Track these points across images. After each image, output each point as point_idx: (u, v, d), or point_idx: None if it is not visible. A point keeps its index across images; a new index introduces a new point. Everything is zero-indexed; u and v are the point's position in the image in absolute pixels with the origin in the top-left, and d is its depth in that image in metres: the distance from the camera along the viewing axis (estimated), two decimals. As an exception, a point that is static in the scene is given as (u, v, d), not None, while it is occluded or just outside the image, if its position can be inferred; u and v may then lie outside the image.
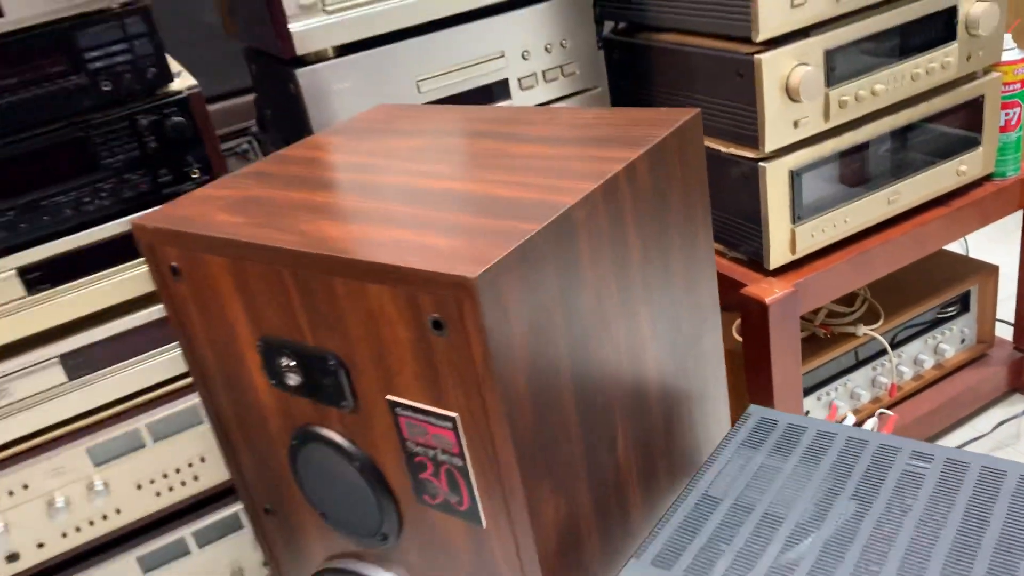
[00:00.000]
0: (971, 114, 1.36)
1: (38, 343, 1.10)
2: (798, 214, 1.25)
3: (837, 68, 1.19)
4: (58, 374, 1.11)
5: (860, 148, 1.27)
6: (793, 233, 1.25)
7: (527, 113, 0.93)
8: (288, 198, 0.81)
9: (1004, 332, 1.67)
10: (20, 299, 1.06)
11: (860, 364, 1.50)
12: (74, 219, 1.06)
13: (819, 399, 1.46)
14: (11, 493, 1.12)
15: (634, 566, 0.75)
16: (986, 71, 1.37)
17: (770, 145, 1.19)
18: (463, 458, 0.70)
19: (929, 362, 1.55)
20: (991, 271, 1.58)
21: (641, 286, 0.78)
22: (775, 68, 1.15)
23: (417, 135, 0.93)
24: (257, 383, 0.83)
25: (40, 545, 1.16)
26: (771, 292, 1.23)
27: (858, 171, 1.29)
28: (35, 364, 1.09)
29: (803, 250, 1.27)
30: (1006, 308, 1.68)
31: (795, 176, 1.22)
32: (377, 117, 1.02)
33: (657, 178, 0.78)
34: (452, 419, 0.69)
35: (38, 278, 1.06)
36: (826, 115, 1.21)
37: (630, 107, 0.89)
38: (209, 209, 0.82)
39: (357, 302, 0.69)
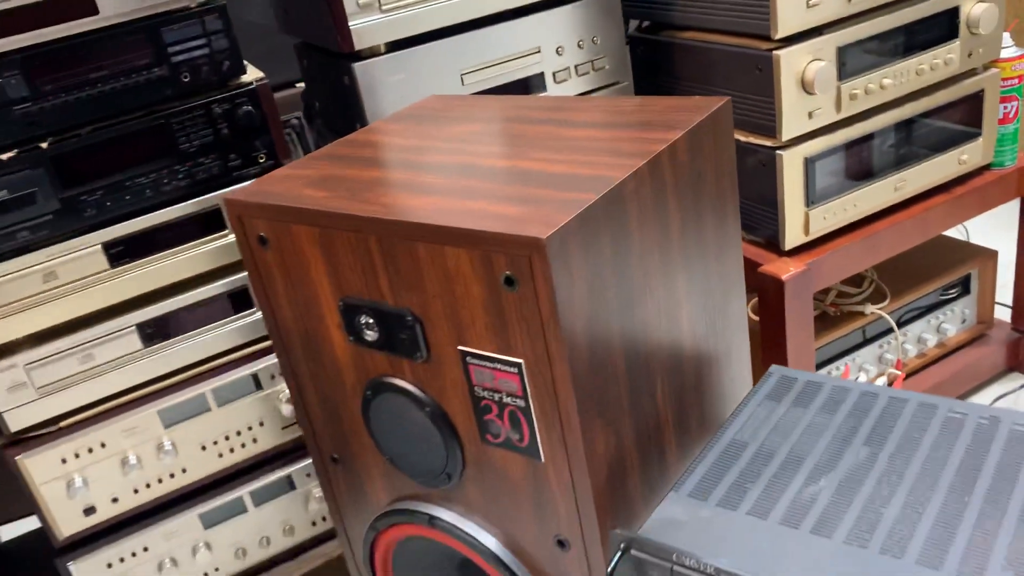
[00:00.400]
0: (972, 107, 1.47)
1: (118, 312, 1.20)
2: (811, 199, 1.35)
3: (848, 63, 1.29)
4: (135, 341, 1.21)
5: (868, 138, 1.37)
6: (807, 216, 1.36)
7: (570, 102, 1.04)
8: (365, 176, 0.92)
9: (1003, 314, 1.77)
10: (104, 271, 1.17)
11: (867, 342, 1.60)
12: (153, 199, 1.16)
13: (829, 374, 1.57)
14: (90, 450, 1.22)
15: (673, 498, 0.85)
16: (985, 67, 1.47)
17: (787, 134, 1.29)
18: (526, 399, 0.80)
19: (932, 341, 1.66)
20: (990, 256, 1.68)
21: (679, 254, 0.89)
22: (791, 63, 1.25)
23: (472, 121, 1.03)
24: (335, 340, 0.94)
25: (114, 500, 1.26)
26: (787, 270, 1.33)
27: (867, 160, 1.39)
28: (115, 332, 1.20)
29: (816, 232, 1.38)
30: (1005, 291, 1.78)
31: (809, 163, 1.32)
32: (431, 106, 1.13)
33: (694, 157, 0.88)
34: (518, 365, 0.79)
35: (120, 252, 1.16)
36: (838, 107, 1.31)
37: (664, 96, 1.00)
38: (294, 186, 0.93)
39: (436, 263, 0.79)
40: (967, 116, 1.47)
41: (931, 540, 0.75)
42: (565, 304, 0.73)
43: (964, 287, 1.69)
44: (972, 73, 1.45)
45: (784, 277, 1.32)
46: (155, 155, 1.15)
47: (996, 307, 1.74)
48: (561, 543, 0.87)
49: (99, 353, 1.19)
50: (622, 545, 0.81)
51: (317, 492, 1.40)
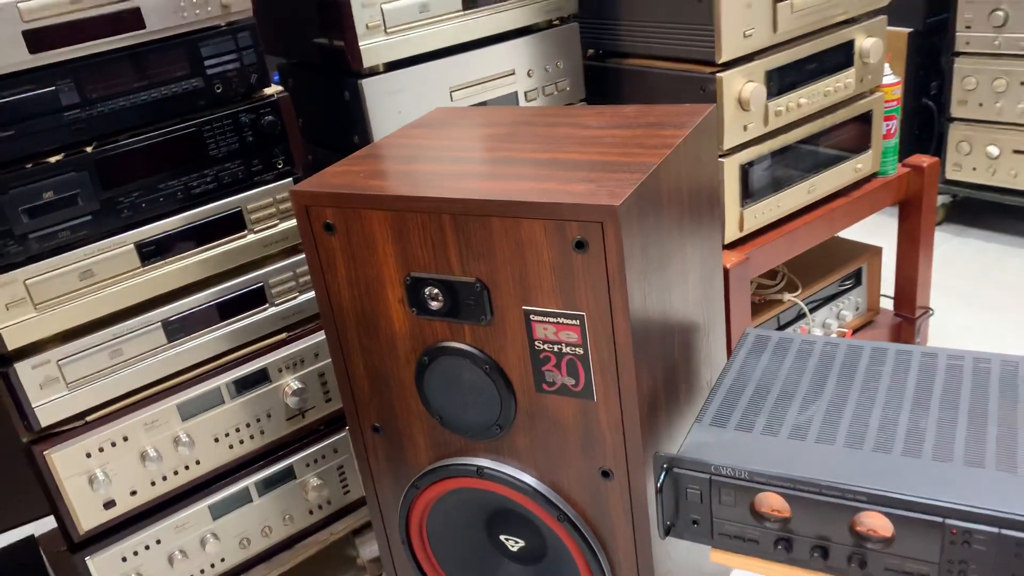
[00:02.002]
0: (863, 124, 1.75)
1: (145, 309, 1.27)
2: (746, 199, 1.58)
3: (774, 85, 1.54)
4: (159, 337, 1.29)
5: (788, 148, 1.63)
6: (742, 215, 1.59)
7: (575, 110, 1.22)
8: (422, 169, 1.06)
9: (886, 304, 2.07)
10: (135, 269, 1.24)
11: (782, 328, 1.85)
12: (183, 201, 1.25)
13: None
14: (113, 444, 1.28)
15: (698, 427, 1.03)
16: (872, 91, 1.76)
17: (727, 144, 1.52)
18: (585, 347, 0.96)
19: (835, 325, 1.93)
20: (876, 252, 1.98)
21: (688, 227, 1.08)
22: (731, 84, 1.48)
23: (494, 126, 1.19)
24: (393, 314, 1.07)
25: (133, 493, 1.32)
26: (730, 260, 1.55)
27: (787, 167, 1.64)
28: (142, 328, 1.27)
29: (749, 228, 1.61)
30: (887, 283, 2.08)
31: (744, 169, 1.56)
32: (442, 117, 1.28)
33: (698, 149, 1.08)
34: (580, 317, 0.95)
35: (151, 251, 1.24)
36: (765, 121, 1.56)
37: (655, 104, 1.19)
38: (356, 179, 1.06)
39: (509, 235, 0.94)
40: (860, 132, 1.75)
41: (909, 438, 0.96)
42: (626, 263, 0.90)
43: (856, 279, 1.97)
44: (862, 96, 1.74)
45: (728, 266, 1.54)
46: (187, 160, 1.24)
47: (881, 298, 2.03)
48: (605, 473, 1.03)
49: (127, 348, 1.26)
50: (664, 466, 0.98)
51: (315, 481, 1.49)
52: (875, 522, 0.90)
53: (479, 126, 1.20)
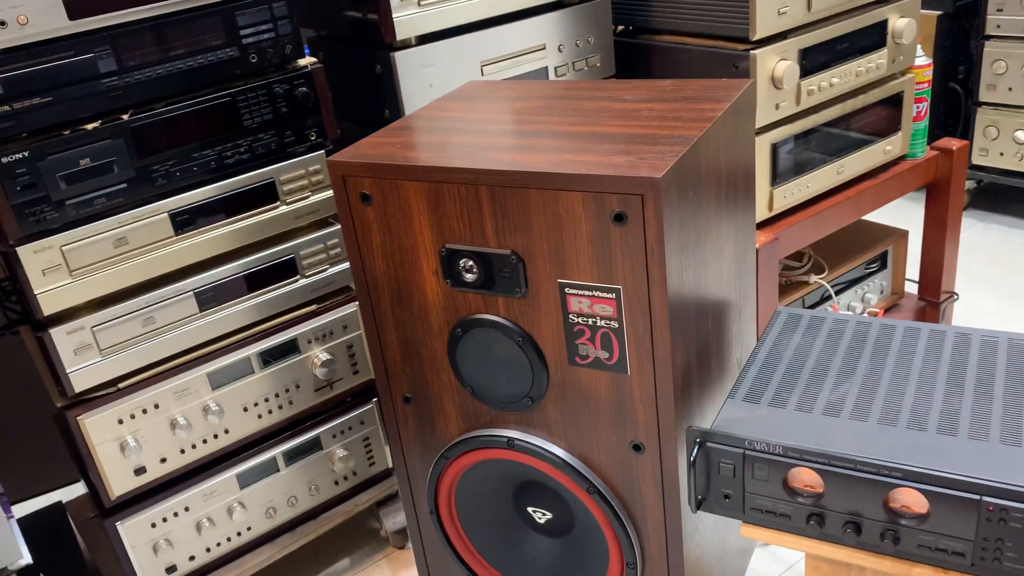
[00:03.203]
0: (893, 106, 1.74)
1: (178, 278, 1.28)
2: (775, 179, 1.58)
3: (807, 63, 1.53)
4: (191, 306, 1.30)
5: (818, 129, 1.62)
6: (771, 194, 1.58)
7: (609, 84, 1.21)
8: (460, 141, 1.06)
9: (910, 288, 2.06)
10: (168, 238, 1.25)
11: (807, 309, 1.85)
12: (217, 171, 1.26)
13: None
14: (144, 411, 1.29)
15: (731, 403, 1.03)
16: (903, 73, 1.75)
17: (759, 122, 1.51)
18: (620, 321, 0.97)
19: (859, 308, 1.92)
20: (902, 235, 1.97)
21: (725, 202, 1.07)
22: (765, 62, 1.47)
23: (528, 99, 1.19)
24: (427, 286, 1.07)
25: (163, 460, 1.33)
26: (759, 240, 1.55)
27: (817, 147, 1.63)
28: (175, 296, 1.28)
29: (778, 208, 1.60)
30: (912, 267, 2.07)
31: (775, 148, 1.55)
32: (476, 89, 1.28)
33: (735, 124, 1.07)
34: (616, 291, 0.95)
35: (184, 220, 1.25)
36: (797, 100, 1.55)
37: (692, 79, 1.19)
38: (394, 150, 1.06)
39: (547, 207, 0.94)
40: (890, 113, 1.74)
41: (944, 416, 0.96)
42: (665, 236, 0.90)
43: (882, 262, 1.96)
44: (894, 77, 1.72)
45: (757, 245, 1.54)
46: (221, 130, 1.24)
47: (906, 282, 2.02)
48: (637, 447, 1.03)
49: (159, 316, 1.27)
50: (697, 440, 0.98)
51: (341, 452, 1.51)
52: (910, 499, 0.90)
53: (513, 99, 1.20)
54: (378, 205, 1.05)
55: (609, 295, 0.96)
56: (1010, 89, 2.38)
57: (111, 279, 1.22)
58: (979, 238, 2.48)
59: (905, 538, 0.91)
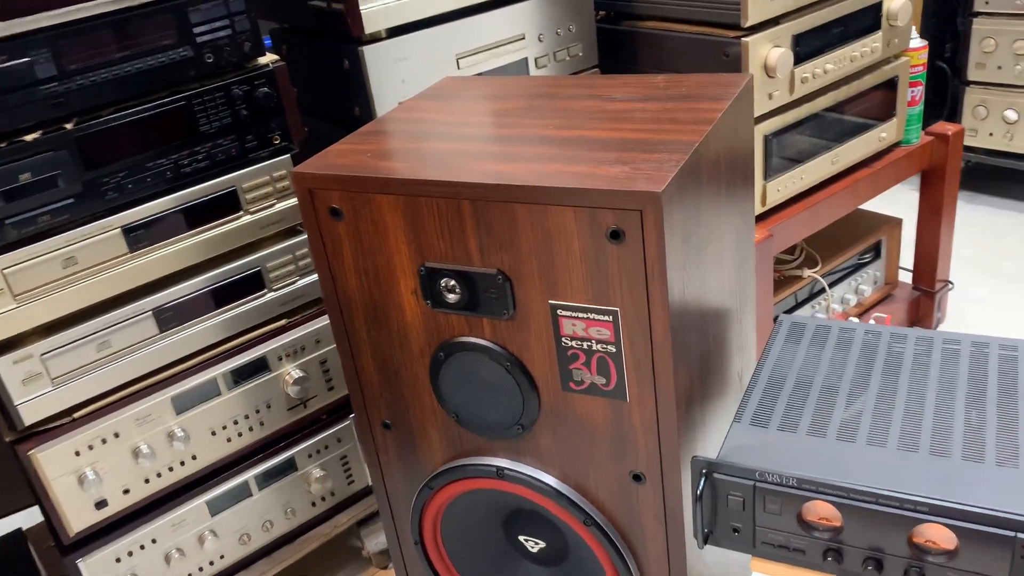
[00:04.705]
0: (888, 91, 1.67)
1: (134, 297, 1.18)
2: (769, 172, 1.50)
3: (801, 50, 1.45)
4: (151, 327, 1.20)
5: (812, 118, 1.54)
6: (764, 188, 1.51)
7: (597, 79, 1.12)
8: (437, 148, 0.97)
9: (904, 277, 2.00)
10: (122, 256, 1.15)
11: (800, 304, 1.78)
12: (173, 181, 1.16)
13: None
14: (104, 441, 1.20)
15: (737, 427, 0.96)
16: (897, 56, 1.67)
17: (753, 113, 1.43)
18: (618, 345, 0.89)
19: (853, 300, 1.86)
20: (896, 223, 1.90)
21: (725, 208, 0.99)
22: (757, 49, 1.39)
23: (509, 98, 1.10)
24: (405, 306, 0.98)
25: (126, 491, 1.24)
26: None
27: (810, 137, 1.56)
28: (132, 317, 1.18)
29: (771, 202, 1.53)
30: (905, 256, 2.01)
31: (768, 140, 1.47)
32: (453, 86, 1.18)
33: (735, 122, 0.99)
34: (613, 313, 0.87)
35: (139, 236, 1.15)
36: (791, 89, 1.47)
37: (685, 74, 1.10)
38: (364, 160, 0.97)
39: (536, 223, 0.86)
40: (884, 99, 1.67)
41: (968, 439, 0.89)
42: (667, 255, 0.82)
43: (876, 252, 1.90)
44: (888, 61, 1.65)
45: (751, 243, 1.46)
46: (176, 136, 1.14)
47: (900, 271, 1.96)
48: (637, 477, 0.95)
49: (116, 339, 1.18)
50: (704, 471, 0.91)
51: (318, 472, 1.42)
52: (936, 534, 0.83)
53: (493, 98, 1.11)
54: (349, 220, 0.96)
55: (606, 318, 0.88)
56: (999, 67, 2.32)
57: (60, 302, 1.12)
58: (968, 221, 2.43)
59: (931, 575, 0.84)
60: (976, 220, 2.42)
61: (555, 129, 0.97)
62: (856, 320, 1.63)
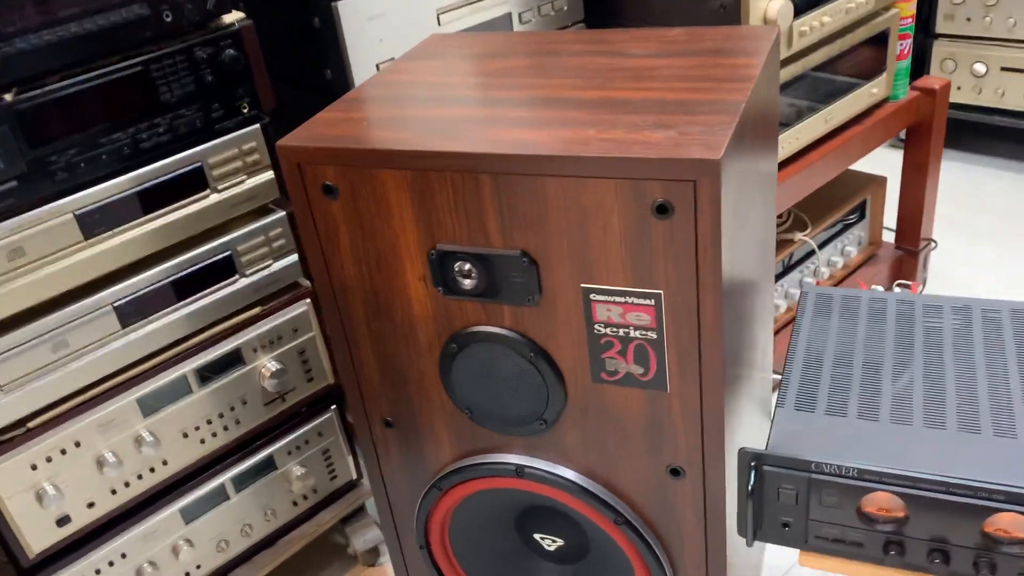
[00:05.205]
0: (879, 45, 1.60)
1: (93, 290, 1.05)
2: (766, 132, 1.42)
3: (800, 1, 1.36)
4: (111, 322, 1.07)
5: (806, 76, 1.46)
6: (762, 149, 1.42)
7: (605, 35, 1.02)
8: (443, 115, 0.86)
9: (887, 237, 1.96)
10: (77, 244, 1.02)
11: (789, 269, 1.72)
12: (132, 157, 1.02)
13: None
14: (63, 452, 1.07)
15: (782, 413, 0.88)
16: (887, 8, 1.60)
17: (751, 70, 1.34)
18: (659, 331, 0.80)
19: (840, 263, 1.80)
20: (881, 182, 1.85)
21: (755, 172, 0.91)
22: (757, 1, 1.30)
23: (509, 57, 0.99)
24: (412, 294, 0.88)
25: (90, 505, 1.12)
26: (752, 201, 1.39)
27: (804, 96, 1.48)
28: (90, 313, 1.05)
29: (768, 164, 1.45)
30: (888, 216, 1.96)
31: (766, 98, 1.39)
32: (443, 46, 1.07)
33: (767, 81, 0.90)
34: (656, 295, 0.78)
35: (95, 221, 1.02)
36: (790, 43, 1.38)
37: (703, 27, 1.01)
38: (359, 129, 0.85)
39: (569, 199, 0.76)
40: (875, 53, 1.60)
41: (1035, 419, 0.83)
42: (722, 229, 0.73)
43: (861, 212, 1.85)
44: (879, 14, 1.58)
45: (751, 208, 1.38)
46: (132, 107, 1.01)
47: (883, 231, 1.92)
48: (675, 472, 0.87)
49: (73, 338, 1.04)
50: (752, 463, 0.83)
51: (298, 470, 1.31)
52: (1011, 522, 0.77)
53: (491, 57, 1.00)
54: (346, 199, 0.85)
55: (647, 301, 0.79)
56: (968, 19, 2.28)
57: (8, 299, 0.98)
58: (940, 177, 2.39)
59: (1004, 566, 0.78)
60: (948, 177, 2.39)
61: (575, 89, 0.87)
62: (880, 289, 1.57)
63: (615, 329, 0.81)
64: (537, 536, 1.04)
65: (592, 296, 0.80)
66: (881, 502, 0.81)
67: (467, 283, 0.84)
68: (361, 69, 1.19)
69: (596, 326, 0.82)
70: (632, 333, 0.81)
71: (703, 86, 0.83)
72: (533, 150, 0.75)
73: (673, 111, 0.79)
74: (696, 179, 0.71)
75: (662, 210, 0.73)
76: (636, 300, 0.79)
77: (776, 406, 0.89)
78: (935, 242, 1.91)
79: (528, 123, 0.81)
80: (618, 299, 0.80)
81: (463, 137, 0.80)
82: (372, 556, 1.46)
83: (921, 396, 0.88)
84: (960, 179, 2.37)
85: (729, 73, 0.85)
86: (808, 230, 1.69)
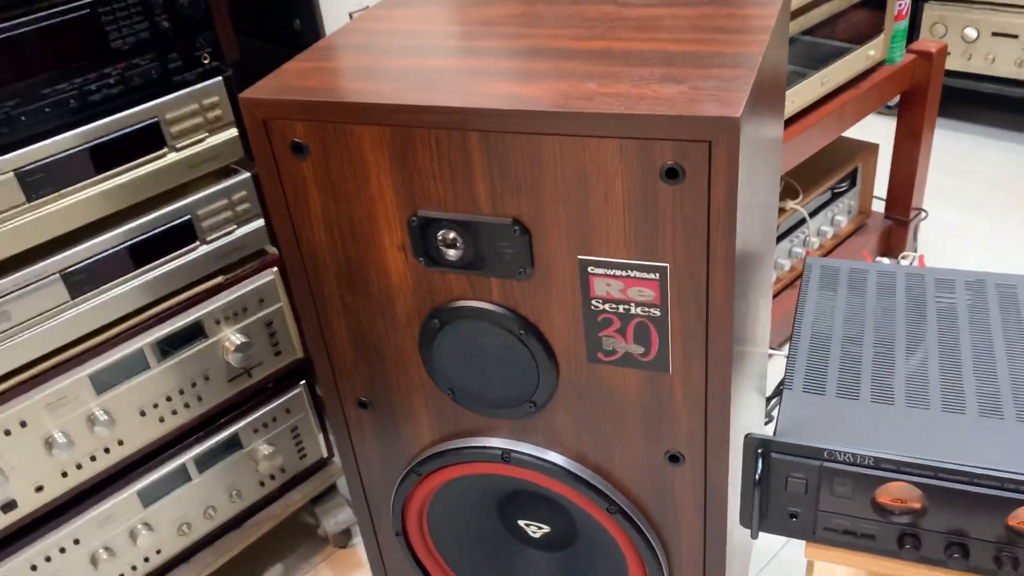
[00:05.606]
0: (876, 4, 1.53)
1: (38, 256, 0.96)
2: (762, 94, 1.34)
3: (801, -46, 1.29)
4: (59, 292, 0.98)
5: (803, 36, 1.39)
6: (757, 113, 1.35)
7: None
8: (426, 65, 0.77)
9: (877, 206, 1.90)
10: (20, 206, 0.92)
11: (779, 239, 1.66)
12: (80, 111, 0.93)
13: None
14: (7, 433, 0.99)
15: (790, 395, 0.82)
16: (886, -36, 1.53)
17: (748, 27, 1.26)
18: (663, 308, 0.73)
19: (830, 232, 1.75)
20: (872, 149, 1.79)
21: (766, 135, 0.84)
22: (757, -48, 1.22)
23: (497, 3, 0.90)
24: (389, 264, 0.80)
25: (39, 489, 1.04)
26: (747, 167, 1.32)
27: (800, 58, 1.41)
28: (35, 282, 0.96)
29: (763, 129, 1.38)
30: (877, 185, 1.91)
31: (763, 58, 1.31)
32: (423, -8, 0.98)
33: (780, 35, 0.83)
34: (662, 269, 0.71)
35: (40, 180, 0.92)
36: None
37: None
38: (333, 80, 0.76)
39: (567, 160, 0.68)
40: (872, 13, 1.53)
41: (1062, 404, 0.78)
42: (736, 196, 0.66)
43: (852, 180, 1.79)
44: (878, -30, 1.51)
45: (745, 174, 1.31)
46: (80, 54, 0.91)
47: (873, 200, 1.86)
48: (675, 458, 0.81)
49: (16, 310, 0.95)
50: (759, 450, 0.77)
51: (266, 448, 1.24)
52: (1037, 516, 0.72)
53: (480, 3, 0.91)
54: (317, 158, 0.76)
55: (651, 275, 0.71)
56: (960, -18, 2.21)
57: (-60, 267, 0.89)
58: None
59: (1028, 562, 0.73)
60: (937, 144, 2.34)
61: (572, 40, 0.79)
62: (886, 260, 1.52)
63: (614, 305, 0.74)
64: (522, 522, 0.98)
65: (590, 269, 0.73)
66: (897, 492, 0.75)
67: (451, 253, 0.77)
68: (332, 20, 1.10)
69: (593, 302, 0.75)
70: (633, 310, 0.74)
71: (714, 37, 0.76)
72: (527, 105, 0.67)
73: (682, 64, 0.71)
74: (712, 140, 0.63)
75: (672, 174, 0.66)
76: (639, 274, 0.72)
77: (784, 388, 0.82)
78: (926, 212, 1.86)
79: (521, 75, 0.73)
80: (619, 273, 0.72)
81: (449, 90, 0.72)
82: (344, 538, 1.39)
83: (938, 377, 0.82)
84: (948, 147, 2.32)
85: (741, 24, 0.77)
86: (799, 198, 1.62)
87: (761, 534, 0.80)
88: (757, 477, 0.76)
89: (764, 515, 0.80)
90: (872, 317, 0.91)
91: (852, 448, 0.74)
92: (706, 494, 0.82)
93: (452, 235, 0.76)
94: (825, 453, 0.75)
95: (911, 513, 0.75)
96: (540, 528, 0.98)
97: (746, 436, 0.76)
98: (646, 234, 0.69)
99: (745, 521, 0.80)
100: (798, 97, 1.42)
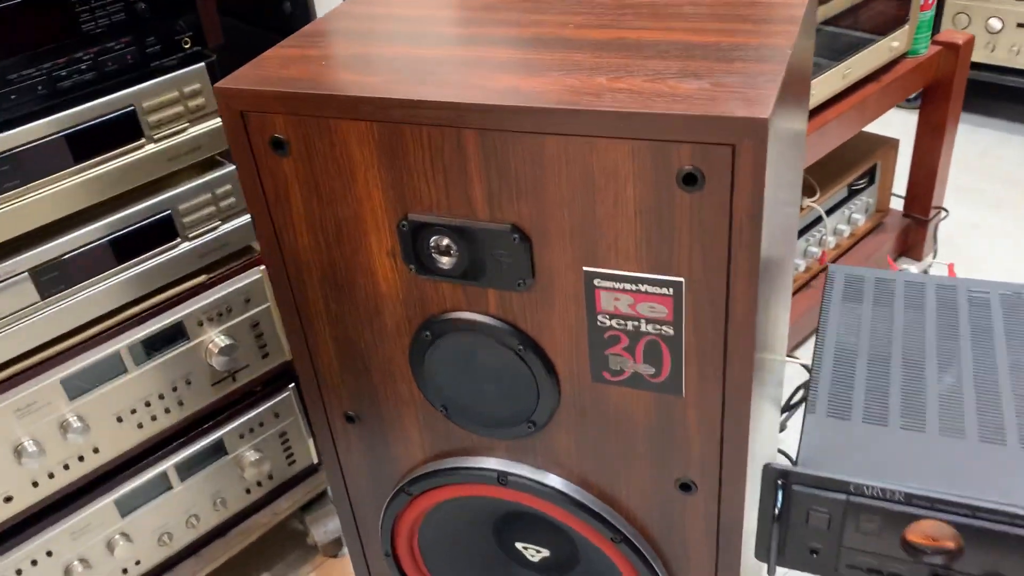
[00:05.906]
0: (902, -7, 1.45)
1: (6, 254, 0.90)
2: (781, 87, 1.27)
3: (825, -61, 1.21)
4: (29, 291, 0.92)
5: (824, 26, 1.32)
6: (775, 107, 1.28)
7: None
8: (420, 55, 0.70)
9: (895, 204, 1.83)
10: (-18, 201, 0.86)
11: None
12: (50, 98, 0.86)
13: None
14: (-27, 440, 0.93)
15: (813, 420, 0.75)
16: (913, -49, 1.45)
17: (768, 16, 1.19)
18: (677, 325, 0.66)
19: (846, 231, 1.68)
20: (892, 144, 1.72)
21: (791, 135, 0.77)
22: (779, -64, 1.14)
23: (501, -10, 0.83)
24: (378, 272, 0.73)
25: (7, 499, 0.98)
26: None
27: (822, 49, 1.33)
28: (2, 280, 0.89)
29: (781, 124, 1.31)
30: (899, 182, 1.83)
31: (783, 49, 1.24)
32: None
33: (808, 26, 0.76)
34: (676, 284, 0.64)
35: (6, 172, 0.86)
36: (811, -13, 1.23)
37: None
38: (318, 70, 0.70)
39: (572, 162, 0.61)
40: (897, 3, 1.45)
41: (1112, 436, 0.71)
42: (762, 205, 0.59)
43: (870, 177, 1.71)
44: (905, -44, 1.43)
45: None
46: (50, 37, 0.84)
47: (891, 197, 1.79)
48: (686, 487, 0.74)
49: (-20, 311, 0.89)
50: (779, 481, 0.70)
51: (252, 455, 1.18)
52: (1086, 561, 0.65)
53: (479, -11, 0.84)
54: (300, 156, 0.70)
55: (664, 291, 0.65)
56: (986, -30, 2.13)
57: None
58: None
59: (1073, 610, 0.67)
60: (958, 140, 2.26)
61: (582, 29, 0.72)
62: (913, 270, 1.45)
63: (622, 322, 0.68)
64: (519, 545, 0.92)
65: (596, 282, 0.66)
66: (929, 531, 0.68)
67: (445, 261, 0.70)
68: (324, 2, 1.03)
69: (599, 317, 0.68)
70: (643, 327, 0.67)
71: (737, 27, 0.68)
72: (530, 101, 0.60)
73: (702, 57, 0.64)
74: (736, 143, 0.56)
75: (690, 180, 0.59)
76: (651, 288, 0.65)
77: (806, 412, 0.76)
78: (946, 211, 1.78)
79: (524, 67, 0.66)
80: (628, 287, 0.66)
81: (444, 83, 0.65)
82: (334, 547, 1.33)
83: (974, 402, 0.75)
84: (967, 142, 2.24)
85: (768, 12, 0.70)
86: (816, 195, 1.55)
87: (778, 569, 0.74)
88: (777, 511, 0.70)
89: (782, 550, 0.73)
90: (900, 333, 0.84)
91: (881, 482, 0.67)
92: (719, 525, 0.76)
93: (445, 241, 0.69)
94: (851, 487, 0.68)
95: (944, 553, 0.68)
96: (539, 552, 0.91)
97: (765, 466, 0.70)
98: (659, 245, 0.63)
99: (761, 556, 0.73)
100: (818, 90, 1.35)
